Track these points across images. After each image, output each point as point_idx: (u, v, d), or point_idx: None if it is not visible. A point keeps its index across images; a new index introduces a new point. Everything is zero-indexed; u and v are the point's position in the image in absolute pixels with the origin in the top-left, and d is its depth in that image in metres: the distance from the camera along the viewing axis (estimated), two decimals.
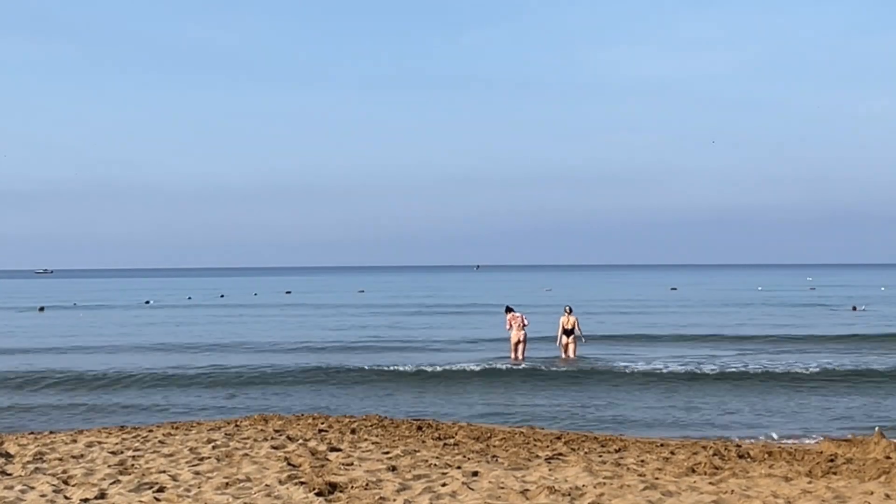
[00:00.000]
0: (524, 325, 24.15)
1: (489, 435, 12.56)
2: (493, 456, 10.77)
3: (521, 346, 24.07)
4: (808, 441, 13.37)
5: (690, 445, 11.98)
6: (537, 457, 10.72)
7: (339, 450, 11.00)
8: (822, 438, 13.10)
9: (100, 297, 78.41)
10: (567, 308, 24.73)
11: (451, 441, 11.95)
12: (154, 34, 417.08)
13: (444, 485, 8.98)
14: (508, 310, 24.90)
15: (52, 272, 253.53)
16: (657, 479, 9.26)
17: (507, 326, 24.55)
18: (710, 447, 11.39)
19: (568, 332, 24.26)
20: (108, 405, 17.73)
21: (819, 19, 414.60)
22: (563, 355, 24.00)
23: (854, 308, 46.77)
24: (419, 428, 13.02)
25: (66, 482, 9.22)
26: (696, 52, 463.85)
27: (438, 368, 22.11)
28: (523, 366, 22.47)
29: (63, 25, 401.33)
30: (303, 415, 14.76)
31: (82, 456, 10.75)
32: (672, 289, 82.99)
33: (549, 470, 9.82)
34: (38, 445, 11.56)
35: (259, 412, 15.41)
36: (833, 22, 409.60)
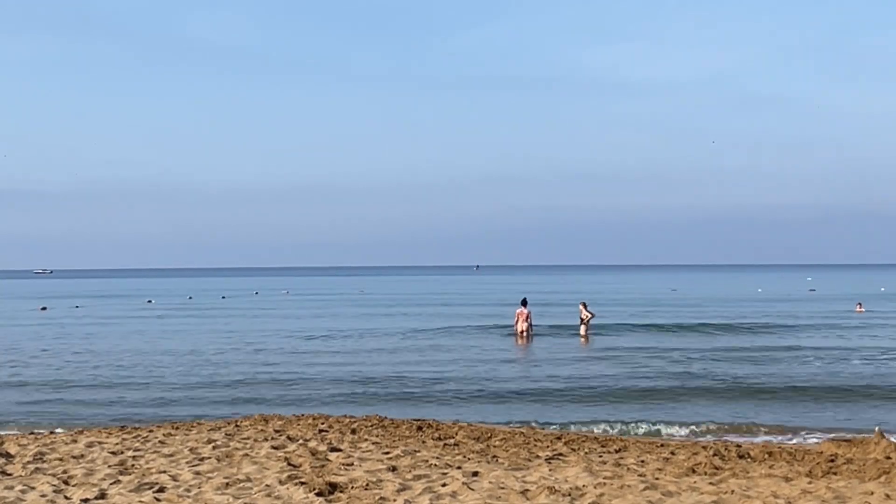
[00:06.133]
0: (528, 319, 30.56)
1: (489, 435, 12.57)
2: (494, 456, 10.77)
3: (525, 334, 30.29)
4: (808, 441, 13.38)
5: (690, 446, 11.99)
6: (537, 457, 10.73)
7: (340, 450, 11.01)
8: (822, 438, 13.12)
9: (101, 296, 78.42)
10: (582, 303, 32.40)
11: (452, 441, 11.95)
12: (155, 31, 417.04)
13: (444, 485, 8.98)
14: (524, 303, 31.43)
15: (51, 272, 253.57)
16: (657, 479, 9.26)
17: (515, 320, 30.96)
18: (711, 447, 11.40)
19: (583, 321, 31.27)
20: (107, 404, 17.75)
21: (819, 18, 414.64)
22: (582, 337, 30.68)
23: (860, 306, 46.70)
24: (419, 428, 13.02)
25: (66, 482, 9.23)
26: (696, 52, 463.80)
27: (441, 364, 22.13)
28: (527, 344, 29.20)
29: (64, 22, 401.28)
30: (303, 415, 14.75)
31: (82, 456, 10.76)
32: (672, 290, 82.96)
33: (550, 470, 9.82)
34: (38, 445, 11.56)
35: (259, 412, 15.41)
36: (833, 21, 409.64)
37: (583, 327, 31.45)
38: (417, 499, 8.44)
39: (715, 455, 10.69)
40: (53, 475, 9.56)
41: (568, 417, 15.75)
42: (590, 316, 31.75)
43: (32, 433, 13.36)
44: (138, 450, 11.15)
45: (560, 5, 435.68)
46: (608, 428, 14.60)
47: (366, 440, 11.89)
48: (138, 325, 41.45)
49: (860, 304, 47.70)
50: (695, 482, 9.09)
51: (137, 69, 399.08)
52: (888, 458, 10.52)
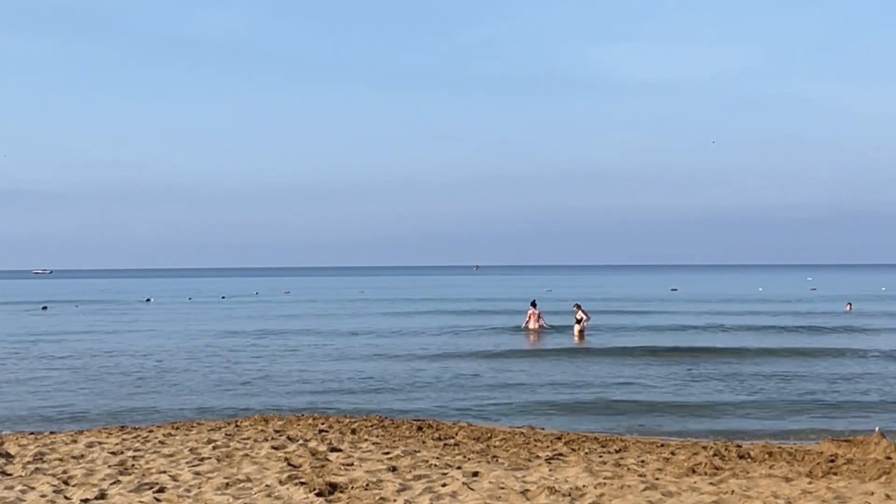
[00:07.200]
0: (539, 319, 33.73)
1: (489, 435, 12.57)
2: (494, 456, 10.77)
3: (536, 333, 32.96)
4: (808, 441, 13.37)
5: (691, 446, 11.99)
6: (538, 457, 10.73)
7: (340, 450, 11.01)
8: (822, 439, 13.11)
9: (101, 296, 78.44)
10: (577, 305, 33.61)
11: (452, 441, 11.95)
12: (155, 31, 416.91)
13: (444, 485, 8.98)
14: (533, 304, 34.93)
15: (51, 272, 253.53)
16: (657, 479, 9.26)
17: (527, 319, 34.06)
18: (711, 447, 11.40)
19: (578, 321, 32.32)
20: (107, 404, 17.75)
21: (819, 18, 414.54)
22: (576, 337, 31.59)
23: (849, 306, 47.05)
24: (419, 428, 13.03)
25: (66, 482, 9.23)
26: (696, 52, 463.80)
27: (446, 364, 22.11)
28: (536, 339, 31.41)
29: (63, 22, 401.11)
30: (303, 415, 14.76)
31: (82, 456, 10.76)
32: (672, 289, 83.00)
33: (550, 470, 9.82)
34: (38, 446, 11.56)
35: (260, 412, 15.42)
36: (833, 21, 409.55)
37: (577, 327, 32.20)
38: (417, 499, 8.43)
39: (715, 455, 10.69)
40: (53, 475, 9.56)
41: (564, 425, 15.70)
42: (585, 318, 32.57)
43: (32, 433, 13.35)
44: (138, 450, 11.15)
45: (560, 5, 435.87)
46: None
47: (366, 440, 11.89)
48: (138, 325, 41.45)
49: (850, 304, 48.08)
50: (695, 482, 9.08)
51: (137, 69, 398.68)
52: (888, 458, 10.51)
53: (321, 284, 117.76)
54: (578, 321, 32.55)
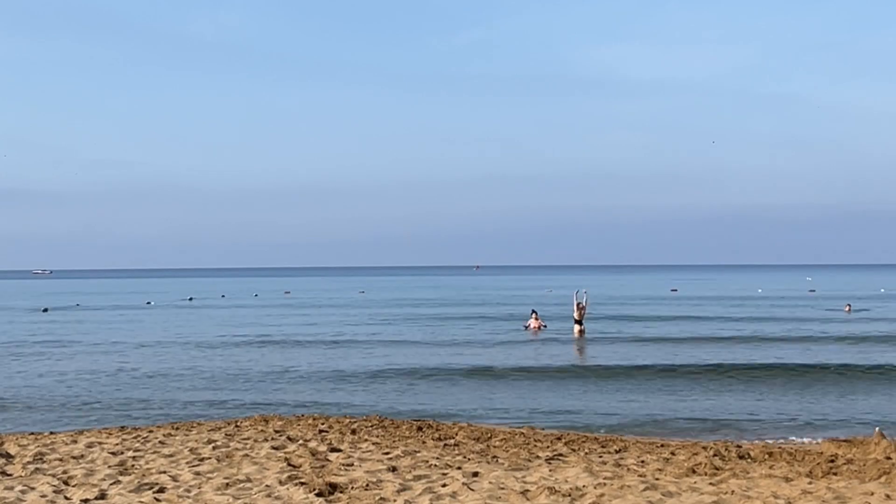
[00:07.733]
0: (540, 327, 35.49)
1: (489, 435, 12.57)
2: (494, 456, 10.77)
3: (536, 333, 34.64)
4: (808, 441, 13.38)
5: (691, 446, 11.99)
6: (538, 457, 10.73)
7: (340, 450, 11.01)
8: (822, 439, 13.11)
9: (101, 297, 78.47)
10: (579, 303, 33.72)
11: (452, 442, 11.96)
12: (156, 31, 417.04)
13: (444, 485, 8.98)
14: (534, 312, 37.08)
15: (50, 272, 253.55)
16: (658, 479, 9.26)
17: (527, 325, 36.11)
18: (711, 448, 11.40)
19: (578, 321, 33.12)
20: (107, 404, 17.75)
21: (820, 18, 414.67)
22: (576, 333, 32.61)
23: (848, 307, 47.33)
24: (419, 429, 13.03)
25: (66, 482, 9.23)
26: (696, 51, 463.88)
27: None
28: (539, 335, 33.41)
29: (64, 21, 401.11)
30: (303, 415, 14.77)
31: (82, 456, 10.76)
32: (672, 290, 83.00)
33: (550, 470, 9.82)
34: (38, 446, 11.56)
35: (259, 413, 15.42)
36: (833, 21, 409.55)
37: (577, 328, 32.87)
38: (417, 499, 8.44)
39: (715, 455, 10.69)
40: (53, 475, 9.56)
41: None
42: (584, 308, 33.52)
43: (32, 433, 13.36)
44: (138, 450, 11.15)
45: (560, 5, 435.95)
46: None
47: (366, 440, 11.89)
48: (138, 326, 41.46)
49: (849, 305, 48.55)
50: (695, 482, 9.08)
51: (138, 69, 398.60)
52: (888, 458, 10.52)
53: (321, 285, 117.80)
54: (577, 321, 33.00)
